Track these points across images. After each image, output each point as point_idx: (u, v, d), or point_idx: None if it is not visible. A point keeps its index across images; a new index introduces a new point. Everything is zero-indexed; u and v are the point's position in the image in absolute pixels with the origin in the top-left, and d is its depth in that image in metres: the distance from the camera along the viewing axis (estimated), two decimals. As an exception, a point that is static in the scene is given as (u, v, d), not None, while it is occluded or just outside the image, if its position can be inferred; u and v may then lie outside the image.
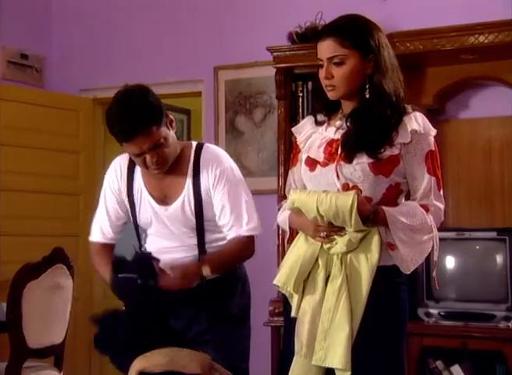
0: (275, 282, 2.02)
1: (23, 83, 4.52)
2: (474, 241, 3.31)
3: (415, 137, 1.92)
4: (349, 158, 1.92)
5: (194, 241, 2.28)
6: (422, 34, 3.35)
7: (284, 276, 1.99)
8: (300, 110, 3.78)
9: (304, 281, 1.97)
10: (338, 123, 2.01)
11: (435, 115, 3.62)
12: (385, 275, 1.92)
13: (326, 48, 1.91)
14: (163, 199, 2.34)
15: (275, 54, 3.71)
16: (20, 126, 4.33)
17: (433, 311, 3.28)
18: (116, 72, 4.60)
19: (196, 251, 2.29)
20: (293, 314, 1.97)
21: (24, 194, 4.31)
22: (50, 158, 4.45)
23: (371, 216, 1.87)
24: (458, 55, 3.37)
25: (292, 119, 3.77)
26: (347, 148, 1.93)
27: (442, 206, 1.95)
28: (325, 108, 2.04)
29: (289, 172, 2.16)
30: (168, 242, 2.32)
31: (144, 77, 4.77)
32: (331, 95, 1.95)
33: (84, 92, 4.71)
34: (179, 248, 2.30)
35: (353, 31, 1.91)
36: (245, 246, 2.30)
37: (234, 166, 2.38)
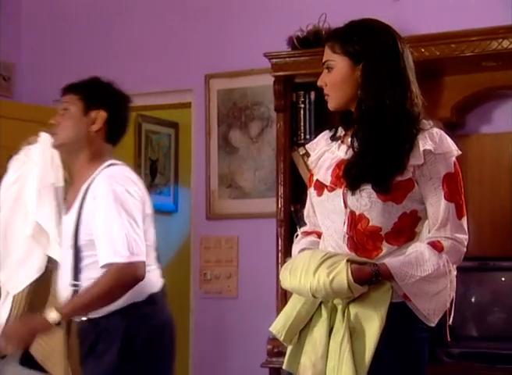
0: (270, 329, 2.01)
1: (-11, 93, 4.55)
2: (499, 272, 3.31)
3: (430, 157, 1.91)
4: (352, 187, 1.93)
5: (70, 263, 2.38)
6: (439, 39, 3.38)
7: (279, 323, 1.98)
8: (302, 123, 3.79)
9: (303, 331, 1.95)
10: (350, 140, 2.02)
11: (453, 129, 3.64)
12: (397, 312, 1.89)
13: (324, 54, 2.02)
14: (66, 209, 2.53)
15: (273, 61, 3.74)
16: (-15, 142, 4.34)
17: (454, 351, 3.28)
18: (94, 80, 4.62)
19: (70, 278, 2.37)
20: (284, 366, 1.98)
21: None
22: (19, 178, 4.45)
23: (373, 278, 1.86)
24: (479, 62, 3.40)
25: (292, 133, 3.79)
26: (350, 180, 1.93)
27: (463, 237, 1.93)
28: (342, 120, 2.06)
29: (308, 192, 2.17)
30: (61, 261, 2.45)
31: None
32: (329, 106, 2.02)
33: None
34: (63, 270, 2.43)
35: (345, 36, 1.98)
36: (117, 276, 2.30)
37: (121, 189, 2.42)
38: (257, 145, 4.26)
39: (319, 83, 2.02)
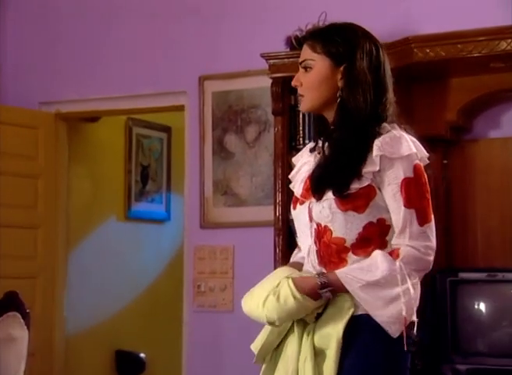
0: (251, 347, 2.03)
1: (-29, 95, 4.54)
2: (509, 284, 3.30)
3: (386, 163, 1.90)
4: (317, 195, 1.93)
5: None
6: (445, 39, 3.37)
7: (257, 341, 2.02)
8: (301, 128, 3.79)
9: (278, 349, 1.97)
10: (321, 146, 2.04)
11: (459, 133, 3.64)
12: (362, 325, 1.89)
13: (301, 53, 2.04)
14: None
15: (270, 61, 3.74)
16: (-32, 146, 4.33)
17: (461, 367, 3.26)
18: (82, 82, 4.62)
19: None
20: None
21: (-29, 227, 4.30)
22: (3, 185, 4.43)
23: (321, 288, 1.88)
24: (487, 64, 3.39)
25: (291, 137, 3.79)
26: (313, 184, 1.95)
27: (424, 244, 1.89)
28: (317, 129, 2.10)
29: None
30: None
31: (115, 89, 4.83)
32: (301, 107, 2.03)
33: (45, 106, 4.73)
34: None
35: (327, 35, 2.00)
36: None
37: None
38: (254, 150, 4.26)
39: (294, 82, 2.02)
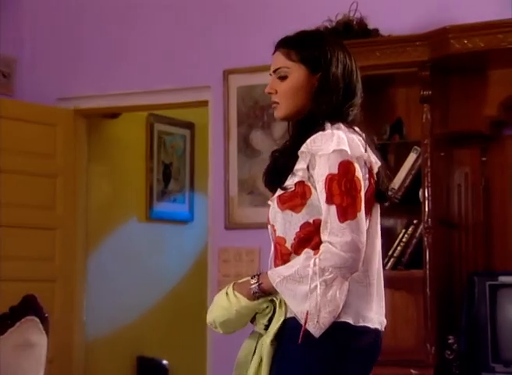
0: None
1: (-13, 91, 4.59)
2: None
3: (315, 161, 1.97)
4: (271, 192, 2.06)
5: None
6: (484, 28, 3.35)
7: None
8: (331, 123, 3.79)
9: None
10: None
11: (499, 129, 3.61)
12: (292, 329, 1.96)
13: (273, 61, 2.12)
14: None
15: (299, 54, 3.73)
16: (-17, 144, 4.38)
17: (501, 377, 3.25)
18: (102, 77, 4.65)
19: None
20: None
21: (-13, 229, 4.35)
22: (20, 184, 4.47)
23: (251, 285, 1.99)
24: (529, 55, 3.37)
25: (320, 134, 3.78)
26: (264, 180, 2.10)
27: (341, 240, 1.91)
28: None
29: None
30: None
31: (136, 84, 4.85)
32: (275, 115, 2.11)
33: (63, 102, 4.76)
34: None
35: (303, 44, 2.08)
36: None
37: None
38: (281, 147, 4.26)
39: (268, 90, 2.10)
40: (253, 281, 2.00)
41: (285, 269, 1.95)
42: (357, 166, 1.95)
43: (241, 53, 4.32)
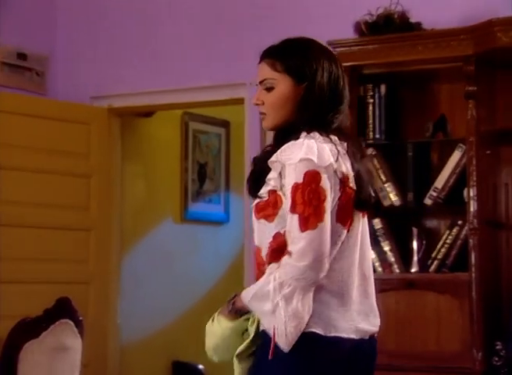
0: None
1: (20, 89, 4.62)
2: None
3: (284, 170, 2.00)
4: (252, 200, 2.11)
5: None
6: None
7: None
8: (371, 121, 3.77)
9: None
10: None
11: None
12: (262, 343, 2.03)
13: (259, 71, 2.15)
14: None
15: (338, 49, 3.70)
16: (16, 144, 4.41)
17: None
18: (136, 75, 4.68)
19: None
20: None
21: (20, 230, 4.38)
22: (54, 184, 4.51)
23: (230, 306, 2.08)
24: None
25: (360, 131, 3.76)
26: (246, 187, 2.16)
27: (298, 249, 1.94)
28: None
29: None
30: None
31: (170, 81, 4.87)
32: (263, 125, 2.15)
33: (97, 100, 4.80)
34: None
35: (287, 54, 2.11)
36: None
37: None
38: (320, 146, 4.24)
39: (255, 101, 2.14)
40: (230, 301, 2.09)
41: (253, 287, 2.04)
42: (323, 176, 1.97)
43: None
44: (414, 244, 3.68)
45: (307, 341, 1.94)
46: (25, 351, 3.04)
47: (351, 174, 2.02)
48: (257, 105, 2.14)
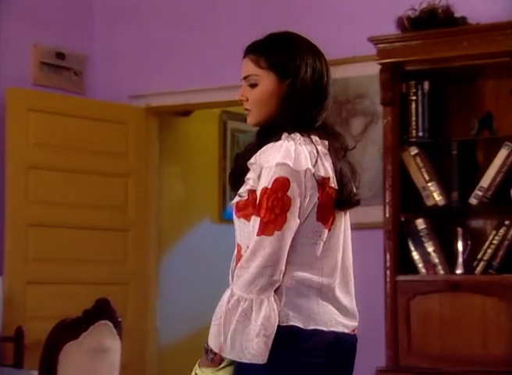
0: None
1: (58, 89, 4.67)
2: None
3: (261, 171, 2.03)
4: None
5: None
6: None
7: None
8: (413, 118, 3.74)
9: None
10: None
11: None
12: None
13: (243, 67, 2.17)
14: None
15: (379, 46, 3.69)
16: (54, 144, 4.46)
17: None
18: (174, 74, 4.69)
19: None
20: None
21: (58, 231, 4.43)
22: (91, 185, 4.55)
23: (206, 354, 2.07)
24: None
25: (402, 130, 3.74)
26: (228, 183, 2.18)
27: (250, 252, 1.99)
28: None
29: None
30: None
31: (208, 80, 4.87)
32: (248, 121, 2.17)
33: (134, 100, 4.83)
34: None
35: (271, 50, 2.13)
36: None
37: None
38: (361, 144, 4.20)
39: (239, 97, 2.16)
40: (205, 349, 2.08)
41: (213, 321, 2.04)
42: (293, 183, 1.99)
43: (318, 46, 4.28)
44: (459, 245, 3.64)
45: (287, 334, 1.98)
46: (65, 352, 3.08)
47: (331, 175, 2.03)
48: (241, 101, 2.16)
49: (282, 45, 2.14)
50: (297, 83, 2.08)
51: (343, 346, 2.07)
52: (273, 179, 1.99)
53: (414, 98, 3.74)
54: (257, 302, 1.99)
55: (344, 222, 2.10)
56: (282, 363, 1.99)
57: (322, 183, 2.02)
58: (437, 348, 3.51)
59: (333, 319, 2.04)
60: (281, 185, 1.99)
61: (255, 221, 1.99)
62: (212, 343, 2.03)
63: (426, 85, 3.72)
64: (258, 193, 2.01)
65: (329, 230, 2.05)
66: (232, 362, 2.05)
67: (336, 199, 2.04)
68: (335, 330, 2.04)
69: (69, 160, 4.49)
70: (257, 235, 1.98)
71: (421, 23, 3.65)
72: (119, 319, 3.32)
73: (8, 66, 4.45)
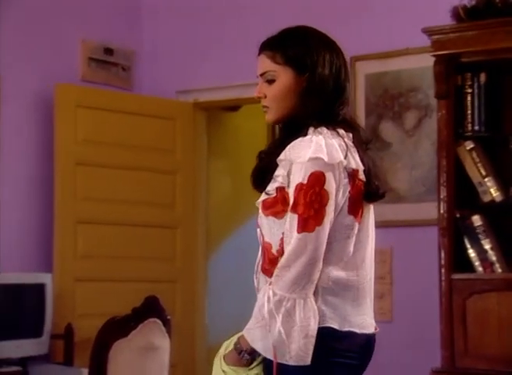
0: None
1: (106, 85, 4.72)
2: None
3: (292, 167, 2.03)
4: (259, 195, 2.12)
5: None
6: None
7: None
8: (469, 112, 3.70)
9: None
10: None
11: None
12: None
13: (259, 64, 2.18)
14: None
15: (434, 37, 3.65)
16: (102, 140, 4.51)
17: None
18: (222, 68, 4.71)
19: None
20: None
21: (107, 228, 4.48)
22: (139, 181, 4.59)
23: (239, 355, 2.06)
24: None
25: (457, 124, 3.70)
26: (251, 181, 2.17)
27: (291, 250, 1.97)
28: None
29: None
30: None
31: (255, 74, 4.86)
32: (266, 118, 2.17)
33: (182, 95, 4.86)
34: None
35: (287, 45, 2.14)
36: None
37: None
38: (414, 139, 4.19)
39: (257, 94, 2.16)
40: (238, 349, 2.07)
41: (251, 320, 2.05)
42: (329, 177, 1.99)
43: (369, 38, 4.26)
44: (518, 242, 3.59)
45: (323, 335, 1.98)
46: (114, 350, 3.11)
47: (361, 167, 2.06)
48: (259, 98, 2.16)
49: (297, 40, 2.15)
50: (315, 77, 2.09)
51: (370, 347, 2.10)
52: (308, 174, 1.99)
53: (469, 90, 3.69)
54: (301, 302, 1.98)
55: (370, 215, 2.12)
56: (317, 364, 1.99)
57: (353, 175, 2.04)
58: (494, 348, 3.46)
59: (364, 321, 2.07)
60: (317, 179, 1.99)
61: (292, 218, 1.99)
62: (258, 345, 2.02)
63: (482, 77, 3.67)
64: (292, 189, 2.00)
65: (359, 224, 2.06)
66: (261, 361, 2.06)
67: (364, 191, 2.06)
68: (366, 332, 2.06)
69: (117, 156, 4.53)
70: (298, 232, 1.98)
71: (477, 13, 3.60)
72: (168, 317, 3.34)
73: (56, 61, 4.51)
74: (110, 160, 4.51)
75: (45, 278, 4.11)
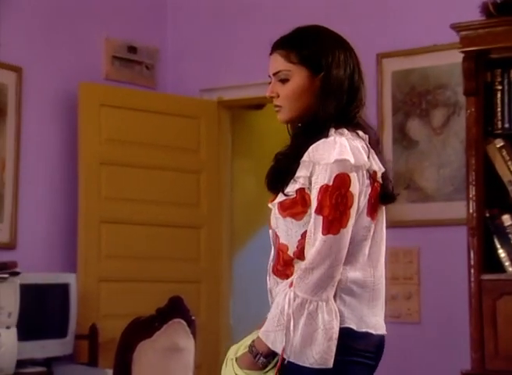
0: None
1: (130, 83, 4.75)
2: None
3: (314, 168, 2.02)
4: (272, 197, 2.13)
5: None
6: None
7: None
8: (499, 109, 3.67)
9: None
10: None
11: None
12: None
13: (272, 63, 2.18)
14: None
15: (462, 33, 3.63)
16: (126, 140, 4.53)
17: None
18: (246, 66, 4.70)
19: None
20: None
21: (131, 227, 4.49)
22: (163, 181, 4.60)
23: (254, 359, 2.04)
24: None
25: (486, 121, 3.67)
26: (266, 182, 2.17)
27: (315, 251, 1.97)
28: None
29: None
30: None
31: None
32: (279, 118, 2.17)
33: (206, 93, 4.86)
34: None
35: (301, 44, 2.13)
36: None
37: None
38: (442, 137, 4.17)
39: (269, 94, 2.17)
40: (254, 352, 2.06)
41: (269, 322, 2.02)
42: (354, 179, 2.00)
43: (396, 34, 4.25)
44: (549, 243, 3.56)
45: (342, 335, 1.99)
46: (138, 351, 3.12)
47: (382, 169, 2.07)
48: (271, 97, 2.16)
49: (312, 39, 2.14)
50: (331, 77, 2.09)
51: (382, 348, 2.11)
52: (334, 175, 1.99)
53: (499, 87, 3.66)
54: (323, 304, 1.99)
55: (383, 216, 2.12)
56: (335, 363, 1.98)
57: (373, 177, 2.05)
58: (525, 352, 3.43)
59: (378, 322, 2.08)
60: (343, 181, 2.00)
61: (317, 220, 1.99)
62: (279, 348, 2.00)
63: (513, 73, 3.65)
64: (315, 191, 2.00)
65: (375, 226, 2.07)
66: (274, 365, 2.05)
67: (380, 193, 2.07)
68: (380, 333, 2.08)
69: (141, 156, 4.54)
70: (323, 234, 1.98)
71: (507, 8, 3.57)
72: (193, 318, 3.35)
73: (80, 60, 4.54)
74: (134, 159, 4.52)
75: (69, 278, 4.14)
